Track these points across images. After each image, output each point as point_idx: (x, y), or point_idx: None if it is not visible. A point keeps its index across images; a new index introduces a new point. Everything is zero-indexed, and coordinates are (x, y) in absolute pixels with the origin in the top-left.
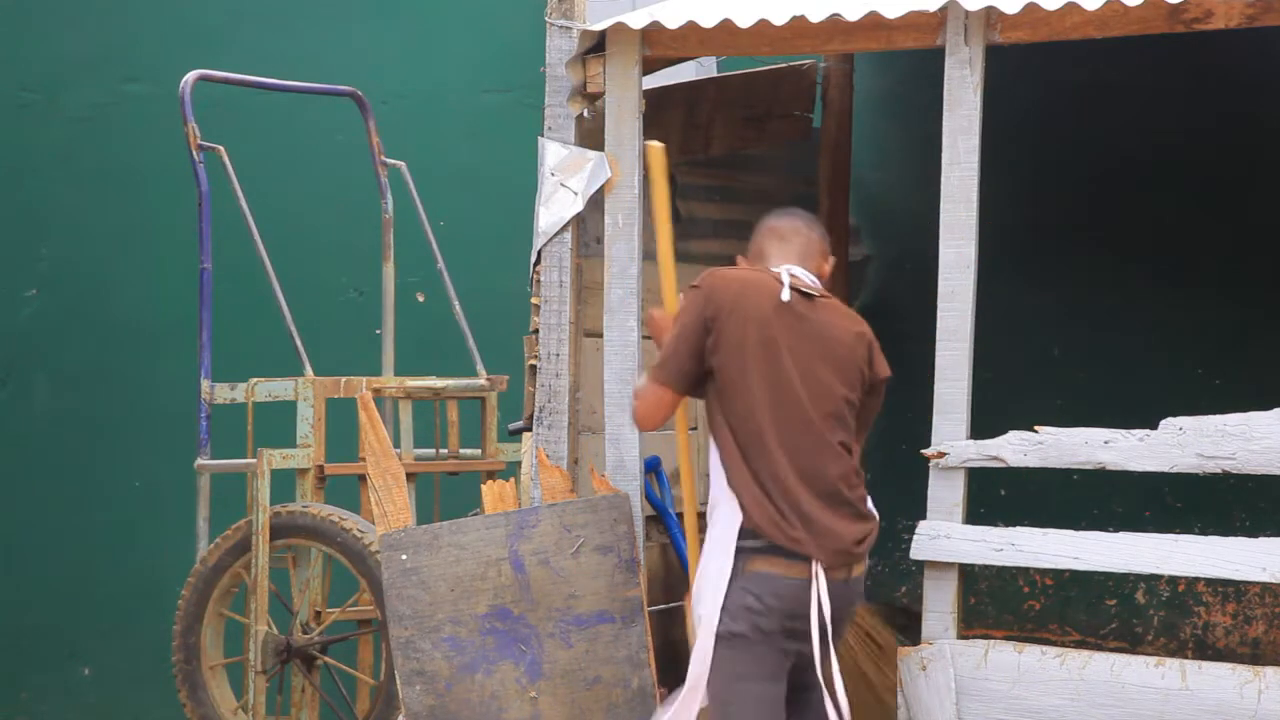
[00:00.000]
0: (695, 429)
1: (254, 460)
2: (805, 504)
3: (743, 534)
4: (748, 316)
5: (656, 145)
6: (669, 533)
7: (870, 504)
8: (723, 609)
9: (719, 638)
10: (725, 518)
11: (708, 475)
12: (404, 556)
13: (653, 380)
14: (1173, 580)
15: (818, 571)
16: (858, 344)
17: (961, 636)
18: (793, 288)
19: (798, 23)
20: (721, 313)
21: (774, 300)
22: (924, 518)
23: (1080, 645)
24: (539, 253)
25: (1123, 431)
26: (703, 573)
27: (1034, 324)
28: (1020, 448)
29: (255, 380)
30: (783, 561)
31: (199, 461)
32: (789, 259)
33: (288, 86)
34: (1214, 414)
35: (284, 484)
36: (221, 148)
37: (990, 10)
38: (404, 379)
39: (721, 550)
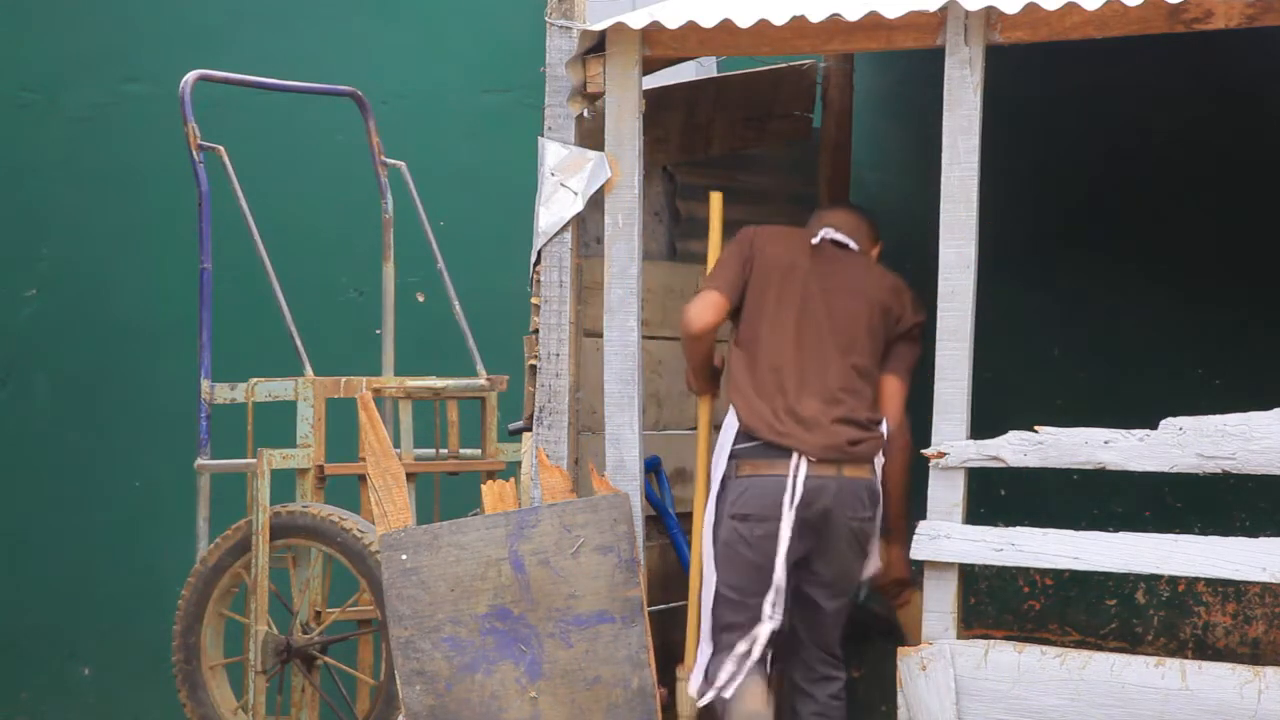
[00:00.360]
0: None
1: (254, 460)
2: (802, 405)
3: (737, 439)
4: (781, 249)
5: (717, 194)
6: (669, 533)
7: (883, 426)
8: (715, 521)
9: (711, 554)
10: (724, 429)
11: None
12: (404, 556)
13: (703, 289)
14: (1173, 580)
15: (798, 464)
16: (888, 289)
17: (961, 636)
18: (825, 239)
19: (798, 23)
20: (758, 245)
21: (807, 244)
22: (924, 518)
23: (1080, 645)
24: (539, 253)
25: (1123, 431)
26: (710, 492)
27: (1034, 324)
28: (1020, 448)
29: (255, 380)
30: (767, 462)
31: (199, 461)
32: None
33: (288, 86)
34: (1214, 414)
35: (284, 484)
36: (221, 148)
37: (990, 10)
38: (404, 379)
39: (720, 461)
